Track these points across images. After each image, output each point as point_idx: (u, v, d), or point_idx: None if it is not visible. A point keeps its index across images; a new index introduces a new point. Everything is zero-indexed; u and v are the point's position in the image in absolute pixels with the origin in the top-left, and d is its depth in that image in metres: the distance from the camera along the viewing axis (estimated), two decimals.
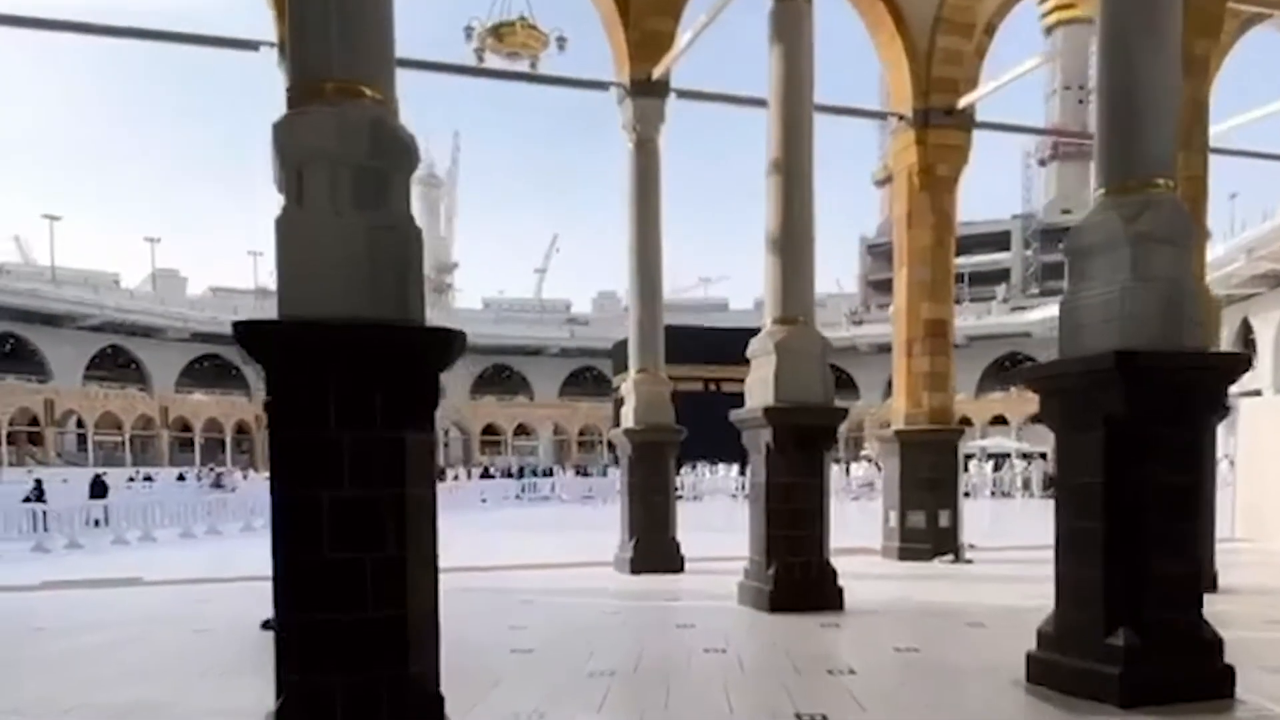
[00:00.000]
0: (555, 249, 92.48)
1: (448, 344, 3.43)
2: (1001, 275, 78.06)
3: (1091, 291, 4.71)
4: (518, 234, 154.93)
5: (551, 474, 40.57)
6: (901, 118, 11.52)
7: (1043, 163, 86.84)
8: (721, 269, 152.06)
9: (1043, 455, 42.56)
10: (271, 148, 3.43)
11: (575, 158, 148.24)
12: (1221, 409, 5.09)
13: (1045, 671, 4.89)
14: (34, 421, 54.96)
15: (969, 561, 11.40)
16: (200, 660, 5.84)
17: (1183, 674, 4.53)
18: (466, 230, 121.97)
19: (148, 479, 38.14)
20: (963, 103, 11.33)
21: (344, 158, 3.39)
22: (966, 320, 56.93)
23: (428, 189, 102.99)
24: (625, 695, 4.88)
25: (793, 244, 7.50)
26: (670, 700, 4.71)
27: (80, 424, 57.41)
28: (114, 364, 62.65)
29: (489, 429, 69.57)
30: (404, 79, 4.03)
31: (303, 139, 3.40)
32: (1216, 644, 4.58)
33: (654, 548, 10.45)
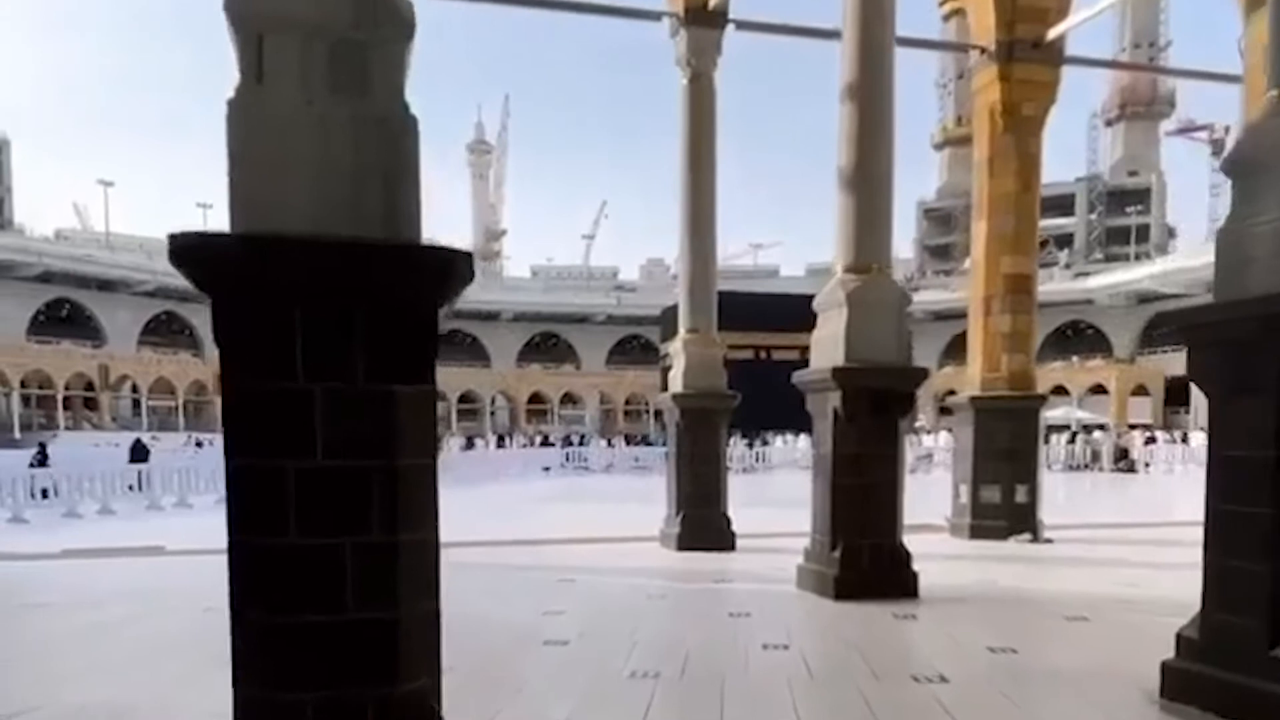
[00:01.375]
0: (604, 215, 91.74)
1: (448, 267, 2.62)
2: (1064, 240, 75.27)
3: (1264, 216, 3.73)
4: (566, 201, 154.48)
5: (611, 444, 39.54)
6: (983, 51, 10.39)
7: (1109, 123, 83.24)
8: (772, 235, 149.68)
9: (1103, 427, 40.91)
10: (224, 13, 2.63)
11: (625, 124, 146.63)
12: None
13: (1186, 685, 4.00)
14: (89, 386, 56.06)
15: (1049, 541, 10.43)
16: (200, 648, 5.19)
17: None
18: (515, 196, 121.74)
19: (198, 444, 38.53)
20: (1052, 34, 10.17)
21: (318, 26, 2.58)
22: None
23: (477, 155, 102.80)
24: (672, 705, 4.10)
25: (868, 180, 6.55)
26: (726, 714, 3.92)
27: (135, 389, 58.47)
28: (168, 330, 63.65)
29: (535, 397, 69.36)
30: (437, 15, 3.22)
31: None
32: None
33: (702, 523, 9.67)
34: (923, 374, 6.73)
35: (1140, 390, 57.86)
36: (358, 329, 2.56)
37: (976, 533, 10.57)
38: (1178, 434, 36.67)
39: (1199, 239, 66.89)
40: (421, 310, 2.62)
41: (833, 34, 9.58)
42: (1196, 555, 4.00)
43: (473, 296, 74.19)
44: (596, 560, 9.09)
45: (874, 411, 6.51)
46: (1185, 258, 58.60)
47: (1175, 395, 58.63)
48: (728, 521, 9.84)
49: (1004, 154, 10.43)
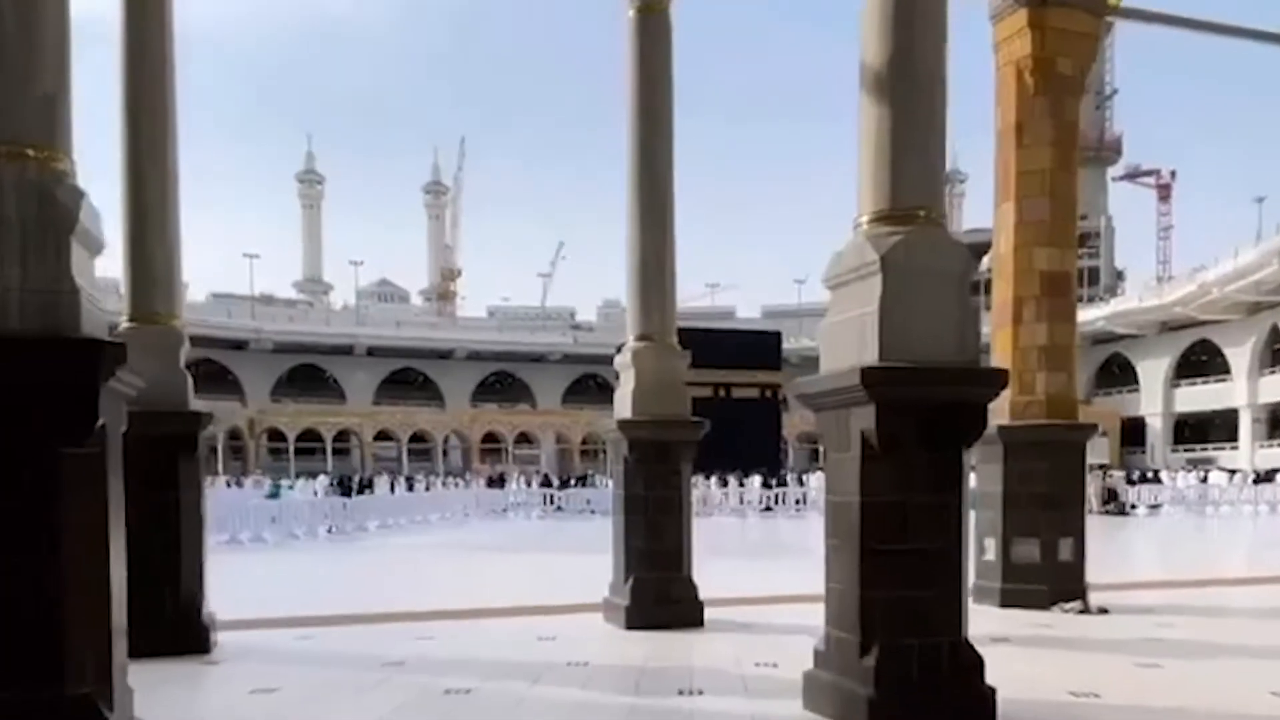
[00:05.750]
0: (561, 255, 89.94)
1: None
2: None
3: None
4: (524, 243, 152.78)
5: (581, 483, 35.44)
6: None
7: None
8: (729, 277, 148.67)
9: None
10: None
11: (582, 166, 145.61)
12: None
13: None
14: None
15: (1103, 611, 8.14)
16: None
17: None
18: (472, 239, 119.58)
19: None
20: None
21: None
22: None
23: (433, 196, 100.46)
24: None
25: (913, 78, 4.24)
26: None
27: None
28: None
29: (489, 437, 66.31)
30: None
31: None
32: None
33: (659, 592, 7.35)
34: (1001, 378, 4.41)
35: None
36: None
37: (1009, 599, 8.29)
38: (1175, 474, 35.56)
39: (1148, 280, 66.86)
40: None
41: None
42: None
43: (426, 335, 71.53)
44: (515, 647, 6.62)
45: (927, 438, 4.15)
46: (1136, 299, 58.63)
47: (1131, 436, 57.60)
48: (694, 590, 7.45)
49: (1036, 120, 8.32)
